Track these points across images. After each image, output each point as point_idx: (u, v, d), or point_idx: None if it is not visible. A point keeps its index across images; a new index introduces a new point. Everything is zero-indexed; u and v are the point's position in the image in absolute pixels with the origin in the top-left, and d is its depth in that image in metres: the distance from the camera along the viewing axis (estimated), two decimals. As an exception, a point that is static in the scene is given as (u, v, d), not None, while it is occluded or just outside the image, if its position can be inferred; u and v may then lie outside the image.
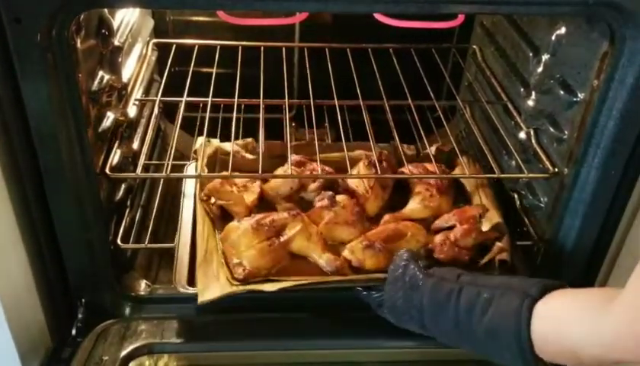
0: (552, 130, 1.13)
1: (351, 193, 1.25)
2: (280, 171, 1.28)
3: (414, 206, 1.25)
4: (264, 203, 1.26)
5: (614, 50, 0.91)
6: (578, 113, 1.03)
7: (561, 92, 1.10)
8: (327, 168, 1.29)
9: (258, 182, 1.26)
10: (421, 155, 1.38)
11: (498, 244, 1.13)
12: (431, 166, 1.27)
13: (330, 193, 1.22)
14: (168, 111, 1.59)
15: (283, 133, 1.41)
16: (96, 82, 1.06)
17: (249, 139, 1.39)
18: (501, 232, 1.16)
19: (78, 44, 0.94)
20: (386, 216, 1.22)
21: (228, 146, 1.31)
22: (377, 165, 1.23)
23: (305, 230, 1.14)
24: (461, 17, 1.29)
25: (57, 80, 0.86)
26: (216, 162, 1.33)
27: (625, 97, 0.92)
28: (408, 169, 1.28)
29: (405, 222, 1.20)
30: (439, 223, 1.20)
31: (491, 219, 1.17)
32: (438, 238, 1.15)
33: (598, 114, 0.96)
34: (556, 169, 1.10)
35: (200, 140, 1.31)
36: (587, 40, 1.00)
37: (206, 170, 1.26)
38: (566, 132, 1.08)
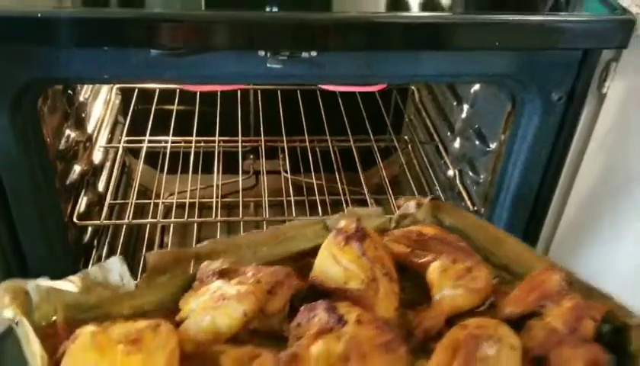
0: (471, 173, 1.28)
1: (343, 294, 0.67)
2: None
3: (453, 292, 0.70)
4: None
5: (515, 111, 1.05)
6: (490, 161, 1.17)
7: (477, 142, 1.24)
8: None
9: None
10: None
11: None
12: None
13: (324, 302, 0.63)
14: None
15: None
16: (63, 141, 1.16)
17: None
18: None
19: (45, 110, 1.04)
20: (427, 323, 0.67)
21: None
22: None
23: None
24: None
25: (26, 142, 0.94)
26: None
27: (527, 151, 1.05)
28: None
29: (469, 323, 0.64)
30: (514, 308, 0.70)
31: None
32: (540, 335, 0.65)
33: (506, 163, 1.10)
34: (476, 208, 1.25)
35: None
36: (497, 99, 1.14)
37: None
38: (482, 176, 1.23)
